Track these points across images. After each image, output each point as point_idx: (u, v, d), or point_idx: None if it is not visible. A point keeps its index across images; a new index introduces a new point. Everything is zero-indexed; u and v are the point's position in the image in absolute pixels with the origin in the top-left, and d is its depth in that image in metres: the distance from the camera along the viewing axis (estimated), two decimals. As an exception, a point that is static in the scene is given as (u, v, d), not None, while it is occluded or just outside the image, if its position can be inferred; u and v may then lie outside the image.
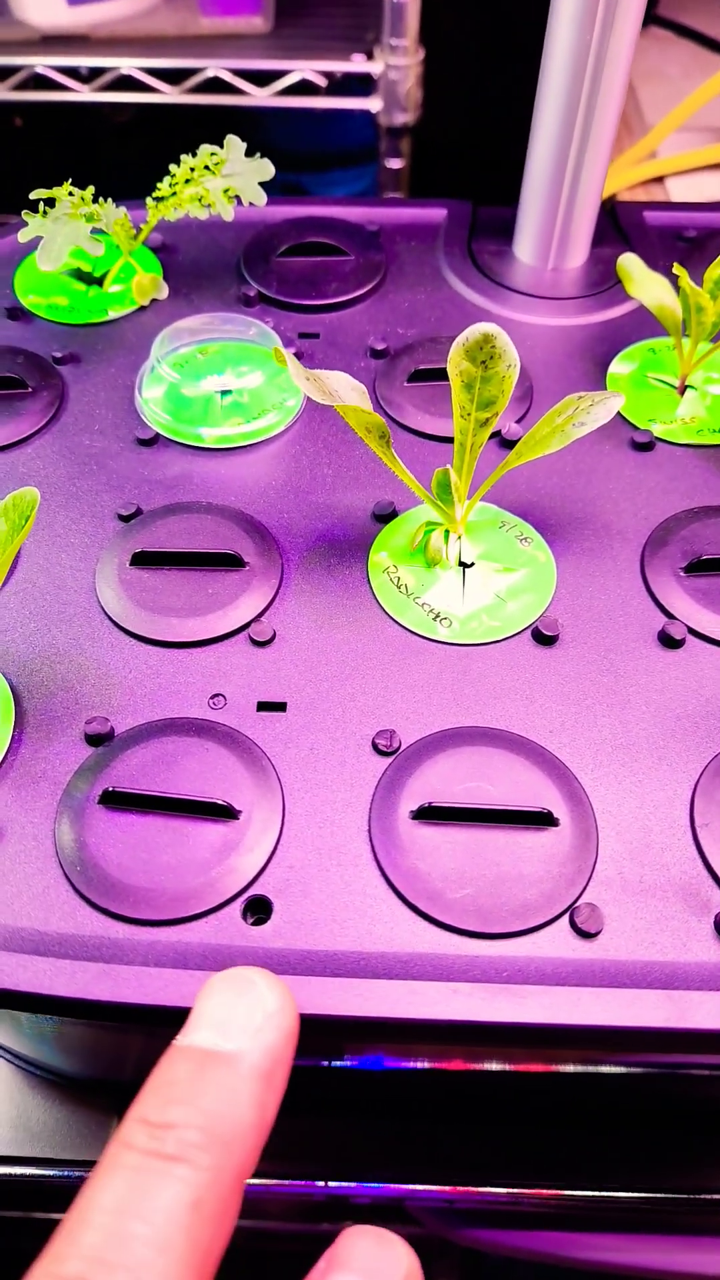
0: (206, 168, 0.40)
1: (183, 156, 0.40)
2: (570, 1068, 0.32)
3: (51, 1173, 0.38)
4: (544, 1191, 0.38)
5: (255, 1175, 0.19)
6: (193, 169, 0.40)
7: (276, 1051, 0.19)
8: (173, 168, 0.40)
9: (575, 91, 0.39)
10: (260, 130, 0.95)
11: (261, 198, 0.40)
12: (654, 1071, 0.33)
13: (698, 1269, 0.41)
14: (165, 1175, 0.17)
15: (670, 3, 0.87)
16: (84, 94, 0.71)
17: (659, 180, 0.74)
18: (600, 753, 0.29)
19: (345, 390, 0.30)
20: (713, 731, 0.29)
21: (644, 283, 0.38)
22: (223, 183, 0.40)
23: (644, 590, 0.33)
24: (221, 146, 0.40)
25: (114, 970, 0.24)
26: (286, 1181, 0.37)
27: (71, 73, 0.71)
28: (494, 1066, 0.32)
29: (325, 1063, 0.32)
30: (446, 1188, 0.38)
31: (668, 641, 0.31)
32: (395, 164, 0.79)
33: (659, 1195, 0.38)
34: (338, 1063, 0.32)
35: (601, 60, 0.38)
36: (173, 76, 0.71)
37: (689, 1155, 0.38)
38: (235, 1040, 0.19)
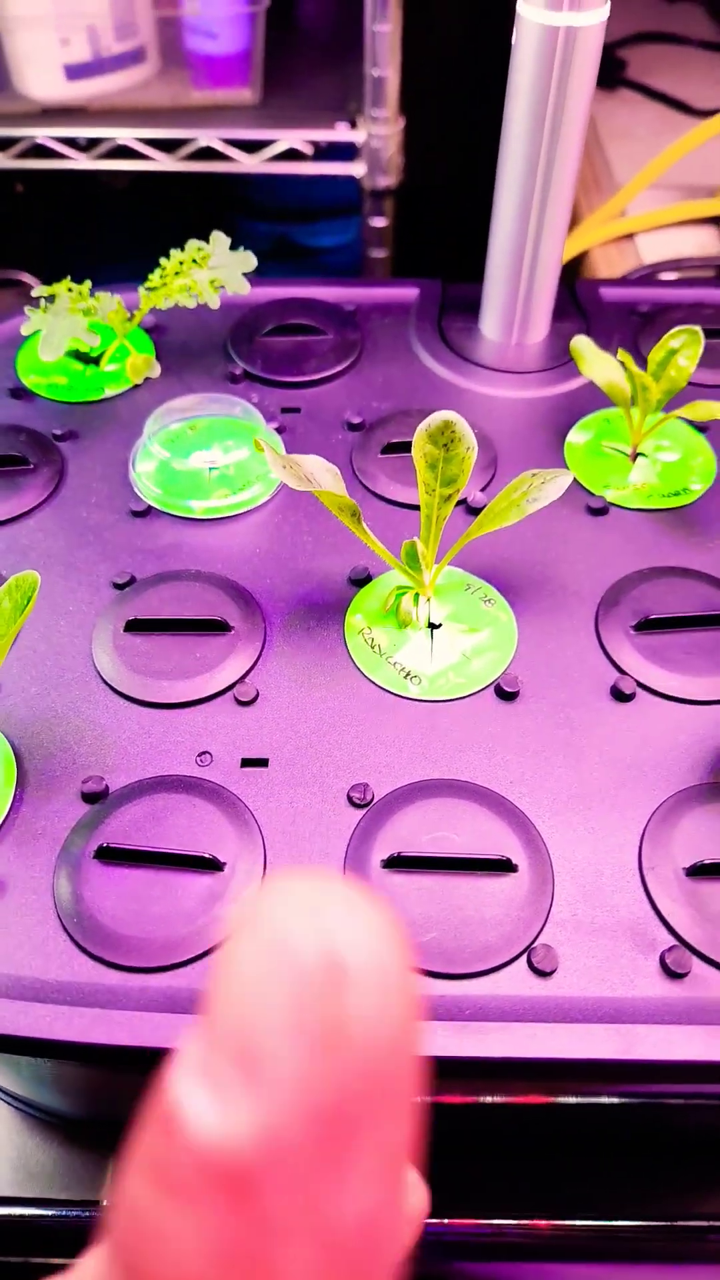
0: (194, 260, 0.43)
1: (172, 251, 0.44)
2: (548, 1099, 0.34)
3: (50, 1213, 0.39)
4: (527, 1222, 0.39)
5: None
6: (181, 262, 0.43)
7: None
8: (163, 260, 0.44)
9: (530, 181, 0.42)
10: (250, 187, 1.00)
11: (245, 287, 0.44)
12: (631, 1101, 0.35)
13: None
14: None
15: (638, 66, 0.92)
16: (82, 162, 0.75)
17: (629, 237, 0.79)
18: (557, 802, 0.31)
19: (319, 473, 0.33)
20: (660, 781, 0.32)
21: (595, 363, 0.41)
22: (209, 274, 0.43)
23: (598, 647, 0.35)
24: (208, 240, 0.44)
25: (109, 1015, 0.26)
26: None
27: (70, 142, 0.75)
28: (474, 1099, 0.34)
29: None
30: (429, 1220, 0.39)
31: (619, 696, 0.34)
32: (379, 222, 0.84)
33: (640, 1224, 0.39)
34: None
35: (554, 152, 0.41)
36: (167, 146, 0.75)
37: (669, 1183, 0.40)
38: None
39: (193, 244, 0.43)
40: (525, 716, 0.33)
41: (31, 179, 0.88)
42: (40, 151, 0.75)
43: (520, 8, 0.38)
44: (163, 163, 0.77)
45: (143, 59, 0.77)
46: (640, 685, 0.34)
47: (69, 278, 0.41)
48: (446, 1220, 0.39)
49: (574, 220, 0.83)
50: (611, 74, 0.91)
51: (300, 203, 0.88)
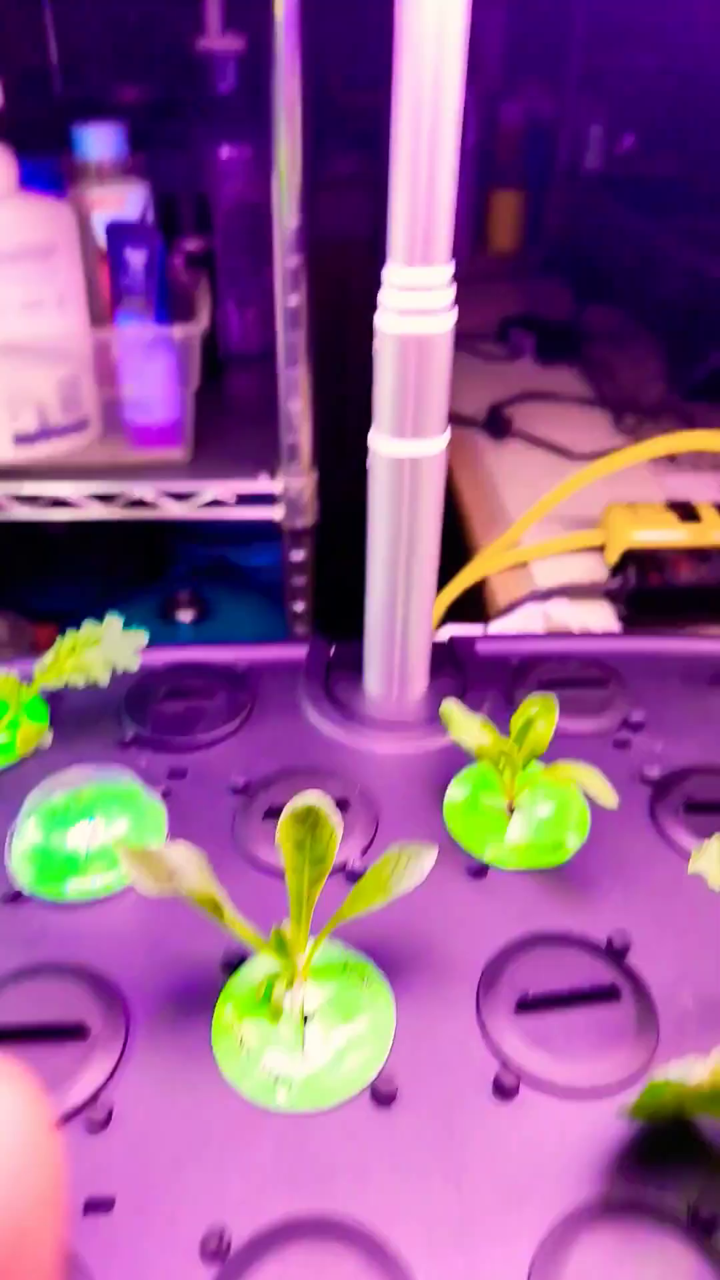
0: (89, 641, 0.47)
1: (67, 631, 0.47)
2: None
3: None
4: None
5: None
6: (74, 645, 0.46)
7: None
8: (58, 641, 0.47)
9: (395, 555, 0.47)
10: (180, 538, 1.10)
11: (134, 664, 0.47)
12: None
13: None
14: None
15: (523, 420, 1.08)
16: (23, 513, 0.83)
17: (524, 565, 0.88)
18: (436, 1234, 0.28)
19: (184, 867, 0.33)
20: (548, 1197, 0.29)
21: (462, 726, 0.44)
22: (101, 654, 0.46)
23: (479, 1032, 0.34)
24: (101, 621, 0.47)
25: None
26: None
27: (16, 498, 0.84)
28: None
29: None
30: None
31: (502, 1091, 0.32)
32: (298, 556, 0.92)
33: None
34: None
35: (416, 527, 0.46)
36: (105, 498, 0.84)
37: None
38: None
39: (88, 624, 0.47)
40: (402, 1126, 0.31)
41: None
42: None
43: (370, 438, 0.45)
44: (99, 512, 0.85)
45: (84, 427, 0.88)
46: (522, 1077, 0.32)
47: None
48: None
49: (472, 550, 0.93)
50: (502, 427, 1.08)
51: (234, 527, 0.97)
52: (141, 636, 0.47)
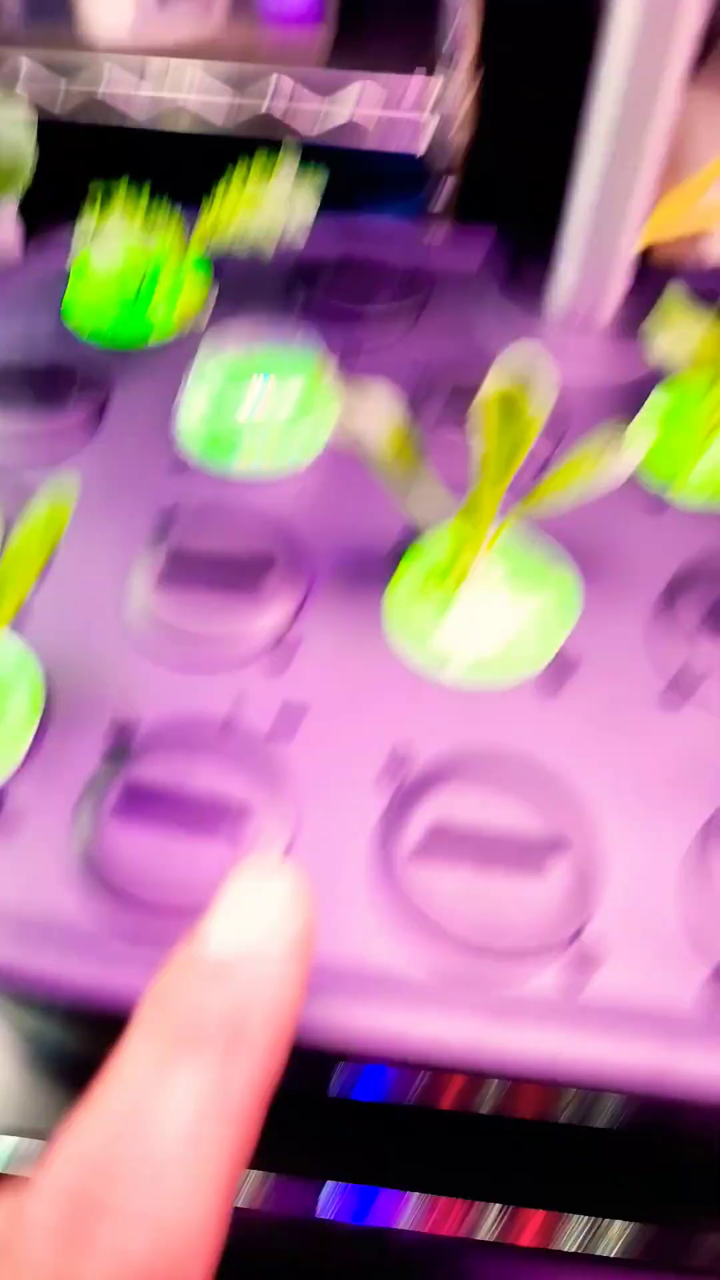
0: (259, 182, 0.41)
1: (237, 165, 0.41)
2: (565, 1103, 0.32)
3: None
4: (535, 1221, 0.38)
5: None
6: (245, 180, 0.41)
7: (299, 945, 0.18)
8: (225, 181, 0.41)
9: (620, 138, 0.39)
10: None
11: (311, 213, 0.41)
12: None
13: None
14: (189, 1063, 0.16)
15: None
16: (140, 119, 0.73)
17: (696, 238, 0.74)
18: (620, 785, 0.29)
19: (379, 408, 0.31)
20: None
21: (678, 329, 0.38)
22: (275, 195, 0.41)
23: (663, 637, 0.33)
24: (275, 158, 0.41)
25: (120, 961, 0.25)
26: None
27: (129, 99, 0.73)
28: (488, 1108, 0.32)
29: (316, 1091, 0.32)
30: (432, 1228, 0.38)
31: (683, 694, 0.31)
32: (439, 205, 0.80)
33: (649, 1227, 0.37)
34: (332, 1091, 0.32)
35: (648, 107, 0.38)
36: (236, 85, 0.72)
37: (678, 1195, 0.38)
38: (255, 936, 0.18)
39: (257, 157, 0.41)
40: (578, 707, 0.31)
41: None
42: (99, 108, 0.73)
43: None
44: (220, 126, 0.73)
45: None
46: (705, 684, 0.31)
47: (126, 177, 0.39)
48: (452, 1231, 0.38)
49: None
50: (705, 47, 0.86)
51: (361, 170, 0.85)
52: (320, 181, 0.41)
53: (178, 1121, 0.15)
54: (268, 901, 0.19)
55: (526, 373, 0.30)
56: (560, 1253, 0.39)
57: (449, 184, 0.77)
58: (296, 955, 0.18)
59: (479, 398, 0.29)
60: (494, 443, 0.31)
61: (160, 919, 0.26)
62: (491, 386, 0.29)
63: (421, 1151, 0.37)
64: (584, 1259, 0.39)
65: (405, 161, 0.76)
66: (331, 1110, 0.37)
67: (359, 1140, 0.37)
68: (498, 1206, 0.36)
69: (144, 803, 0.28)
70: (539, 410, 0.30)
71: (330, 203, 0.45)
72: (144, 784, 0.28)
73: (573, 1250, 0.38)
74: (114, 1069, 0.17)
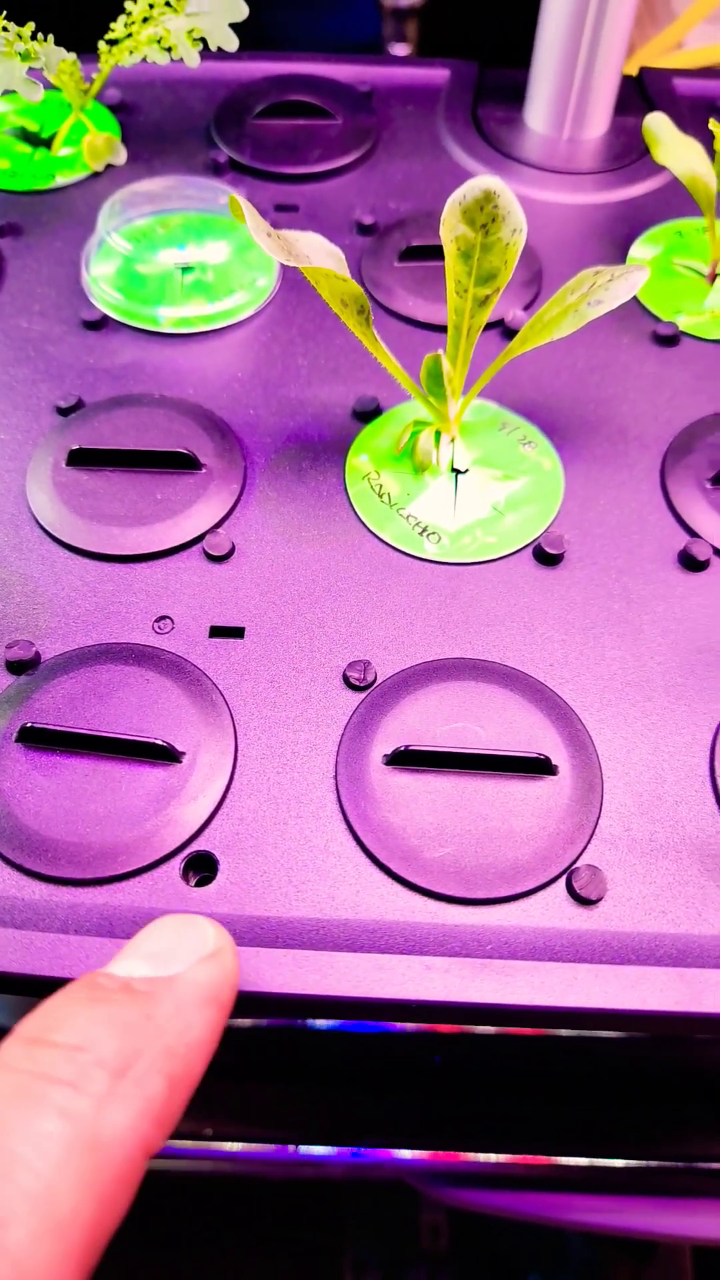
0: (168, 3, 0.34)
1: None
2: (562, 1032, 0.29)
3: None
4: (533, 1160, 0.35)
5: (232, 1139, 0.16)
6: (152, 5, 0.34)
7: (215, 987, 0.17)
8: (129, 5, 0.34)
9: None
10: (254, 18, 0.86)
11: (233, 42, 0.34)
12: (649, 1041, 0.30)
13: (685, 1231, 0.39)
14: (47, 1103, 0.14)
15: None
16: None
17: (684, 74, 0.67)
18: (608, 690, 0.25)
19: (318, 254, 0.25)
20: (740, 668, 0.25)
21: (674, 148, 0.32)
22: (187, 23, 0.34)
23: (664, 504, 0.28)
24: (185, -23, 0.34)
25: (28, 937, 0.20)
26: (268, 1147, 0.35)
27: None
28: (482, 1031, 0.29)
29: (301, 1024, 0.28)
30: (430, 1154, 0.35)
31: (689, 563, 0.27)
32: (400, 50, 0.72)
33: (647, 1163, 0.35)
34: (316, 1025, 0.29)
35: None
36: None
37: (681, 1124, 0.35)
38: (170, 969, 0.17)
39: (164, -17, 0.34)
40: (571, 586, 0.27)
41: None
42: None
43: None
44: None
45: None
46: (716, 551, 0.27)
47: (2, 13, 0.32)
48: (448, 1155, 0.35)
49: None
50: None
51: (311, 37, 0.76)
52: (241, 6, 0.34)
53: (36, 1160, 0.13)
54: (190, 940, 0.17)
55: (494, 187, 0.24)
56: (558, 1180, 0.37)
57: (413, 26, 0.69)
58: (213, 1000, 0.17)
59: (447, 206, 0.24)
60: (461, 272, 0.25)
61: (77, 865, 0.21)
62: (460, 194, 0.24)
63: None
64: (582, 1184, 0.37)
65: (362, 4, 0.67)
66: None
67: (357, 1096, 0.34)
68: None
69: (51, 735, 0.23)
70: (519, 224, 0.24)
71: (264, 38, 0.38)
72: (51, 713, 0.23)
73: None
74: None
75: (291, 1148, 0.35)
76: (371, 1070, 0.35)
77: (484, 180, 0.25)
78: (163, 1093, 0.15)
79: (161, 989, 0.16)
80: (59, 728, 0.23)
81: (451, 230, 0.25)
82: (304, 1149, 0.34)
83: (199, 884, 0.21)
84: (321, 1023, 0.33)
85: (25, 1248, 0.12)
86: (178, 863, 0.22)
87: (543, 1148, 0.35)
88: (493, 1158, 0.35)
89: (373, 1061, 0.35)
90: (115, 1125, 0.14)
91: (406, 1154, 0.35)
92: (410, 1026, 0.33)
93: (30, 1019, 0.15)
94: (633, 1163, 0.35)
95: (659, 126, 0.33)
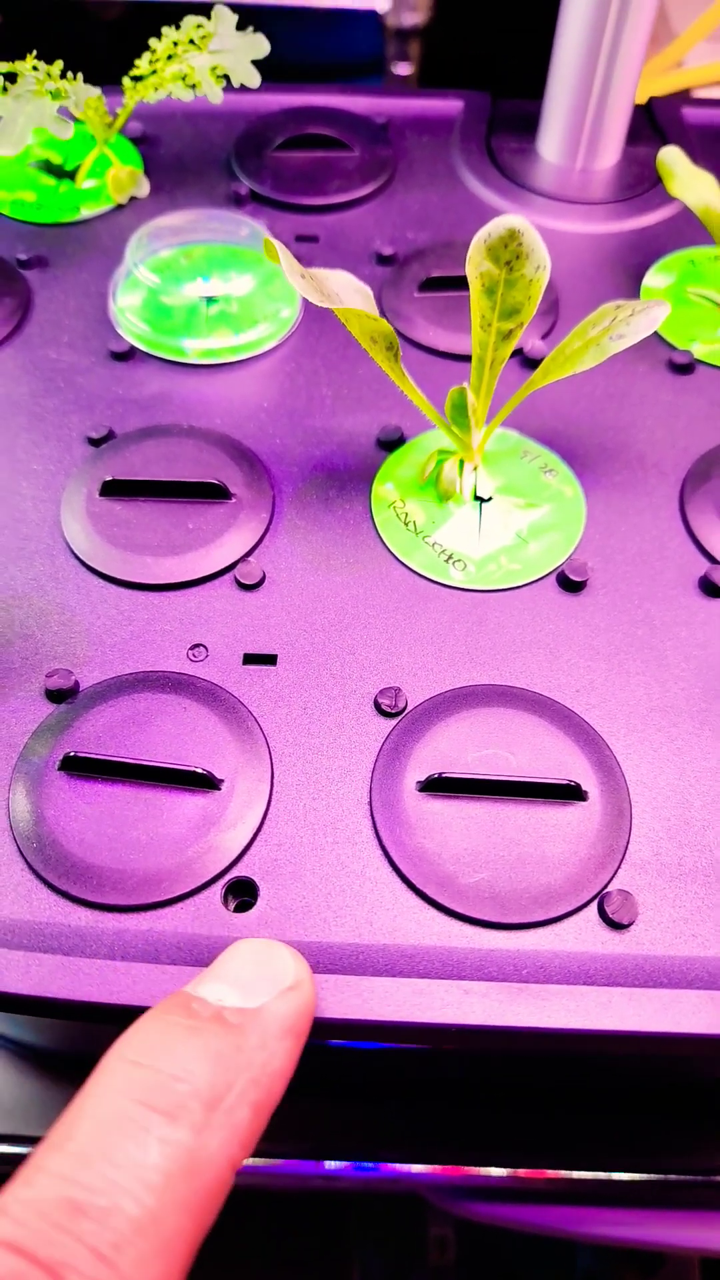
0: (192, 42, 0.35)
1: (164, 29, 0.35)
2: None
3: (21, 1150, 0.35)
4: (545, 1173, 0.36)
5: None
6: (176, 43, 0.35)
7: (296, 1019, 0.18)
8: (153, 42, 0.35)
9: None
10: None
11: (255, 79, 0.35)
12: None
13: (694, 1243, 0.39)
14: (149, 1134, 0.15)
15: None
16: None
17: (686, 93, 0.68)
18: (635, 716, 0.25)
19: (347, 292, 0.26)
20: (762, 695, 0.26)
21: (688, 180, 0.33)
22: (210, 60, 0.35)
23: (684, 530, 0.29)
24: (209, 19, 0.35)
25: (74, 964, 0.21)
26: (278, 1161, 0.35)
27: None
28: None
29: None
30: (441, 1168, 0.36)
31: (711, 589, 0.27)
32: (403, 69, 0.73)
33: (658, 1176, 0.35)
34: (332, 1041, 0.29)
35: None
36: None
37: (692, 1137, 0.36)
38: (256, 998, 0.18)
39: (190, 19, 0.35)
40: (595, 611, 0.27)
41: (11, 9, 0.77)
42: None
43: None
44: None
45: None
46: (736, 576, 0.28)
47: (33, 53, 0.33)
48: (460, 1170, 0.36)
49: None
50: None
51: (315, 58, 0.77)
52: (263, 42, 0.35)
53: (141, 1189, 0.14)
54: (272, 970, 0.18)
55: (518, 225, 0.25)
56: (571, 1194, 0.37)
57: (416, 46, 0.69)
58: (293, 1031, 0.18)
59: (473, 244, 0.25)
60: (485, 307, 0.26)
61: (120, 892, 0.22)
62: (486, 232, 0.25)
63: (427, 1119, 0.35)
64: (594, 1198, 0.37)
65: (364, 24, 0.68)
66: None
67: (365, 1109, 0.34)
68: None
69: (92, 763, 0.23)
70: (543, 261, 0.25)
71: (279, 73, 0.39)
72: (91, 741, 0.24)
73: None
74: (87, 1109, 0.16)
75: (300, 1161, 0.35)
76: (382, 1083, 0.36)
77: (508, 219, 0.25)
78: (248, 1120, 0.16)
79: (249, 1021, 0.17)
80: (101, 756, 0.23)
81: (476, 267, 0.26)
82: (313, 1162, 0.35)
83: (239, 909, 0.22)
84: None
85: (136, 1270, 0.13)
86: (219, 888, 0.22)
87: (554, 1161, 0.36)
88: (504, 1171, 0.36)
89: (384, 1075, 0.35)
90: (209, 1152, 0.15)
91: (418, 1168, 0.35)
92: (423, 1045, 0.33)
93: (131, 1038, 0.16)
94: (643, 1176, 0.35)
95: (673, 160, 0.34)
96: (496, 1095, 0.36)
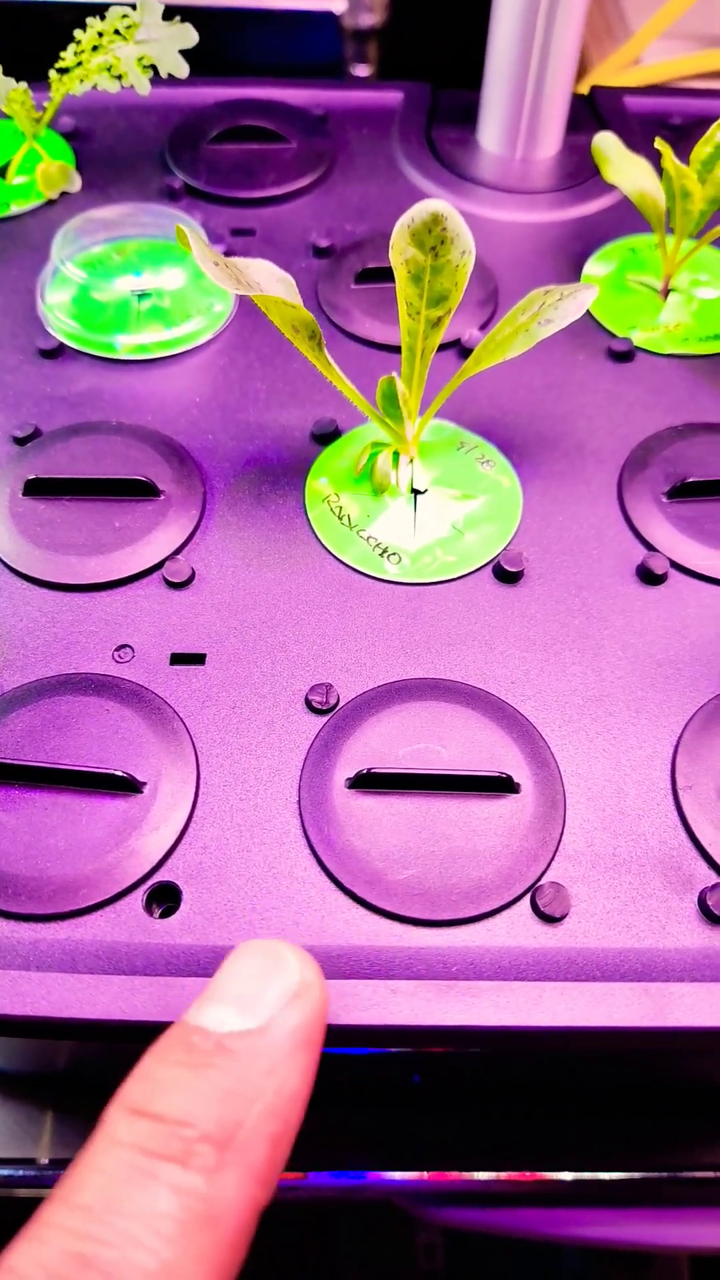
0: (117, 32, 0.34)
1: (89, 20, 0.34)
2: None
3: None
4: (521, 1176, 0.35)
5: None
6: (101, 34, 0.34)
7: (307, 1029, 0.16)
8: (78, 34, 0.34)
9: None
10: (214, 40, 0.86)
11: (183, 69, 0.35)
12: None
13: (681, 1241, 0.39)
14: (159, 1181, 0.14)
15: None
16: None
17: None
18: (570, 706, 0.25)
19: (268, 281, 0.25)
20: (698, 679, 0.25)
21: (623, 166, 0.33)
22: (136, 50, 0.34)
23: (621, 519, 0.29)
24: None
25: (-12, 975, 0.20)
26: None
27: None
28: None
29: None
30: (419, 1174, 0.35)
31: (648, 577, 0.27)
32: (362, 71, 0.72)
33: (639, 1174, 0.35)
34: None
35: None
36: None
37: (668, 1136, 0.36)
38: (259, 1014, 0.16)
39: (115, 10, 0.34)
40: (530, 602, 0.27)
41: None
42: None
43: None
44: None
45: None
46: (674, 565, 0.27)
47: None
48: (437, 1175, 0.35)
49: (582, 69, 0.72)
50: None
51: (272, 61, 0.76)
52: (190, 32, 0.35)
53: (155, 1240, 0.13)
54: (275, 977, 0.17)
55: (441, 210, 0.25)
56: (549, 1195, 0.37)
57: (374, 47, 0.69)
58: (305, 1044, 0.16)
59: (395, 230, 0.24)
60: (412, 294, 0.26)
61: (38, 900, 0.21)
62: (409, 217, 0.24)
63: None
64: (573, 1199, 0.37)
65: (324, 26, 0.68)
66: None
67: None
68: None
69: (8, 769, 0.23)
70: (468, 246, 0.24)
71: (225, 60, 0.38)
72: (9, 746, 0.23)
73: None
74: (93, 1164, 0.14)
75: (297, 1175, 0.35)
76: (352, 1091, 0.35)
77: (431, 203, 0.25)
78: (266, 1155, 0.15)
79: (255, 1045, 0.16)
80: (17, 761, 0.22)
81: (401, 253, 0.26)
82: (289, 1172, 0.34)
83: (163, 915, 0.21)
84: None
85: None
86: (140, 894, 0.21)
87: (531, 1163, 0.35)
88: (481, 1175, 0.35)
89: (353, 1082, 0.35)
90: (226, 1197, 0.14)
91: (394, 1175, 0.35)
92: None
93: (131, 1085, 0.15)
94: (624, 1174, 0.35)
95: (608, 146, 0.33)
96: (469, 1099, 0.36)
